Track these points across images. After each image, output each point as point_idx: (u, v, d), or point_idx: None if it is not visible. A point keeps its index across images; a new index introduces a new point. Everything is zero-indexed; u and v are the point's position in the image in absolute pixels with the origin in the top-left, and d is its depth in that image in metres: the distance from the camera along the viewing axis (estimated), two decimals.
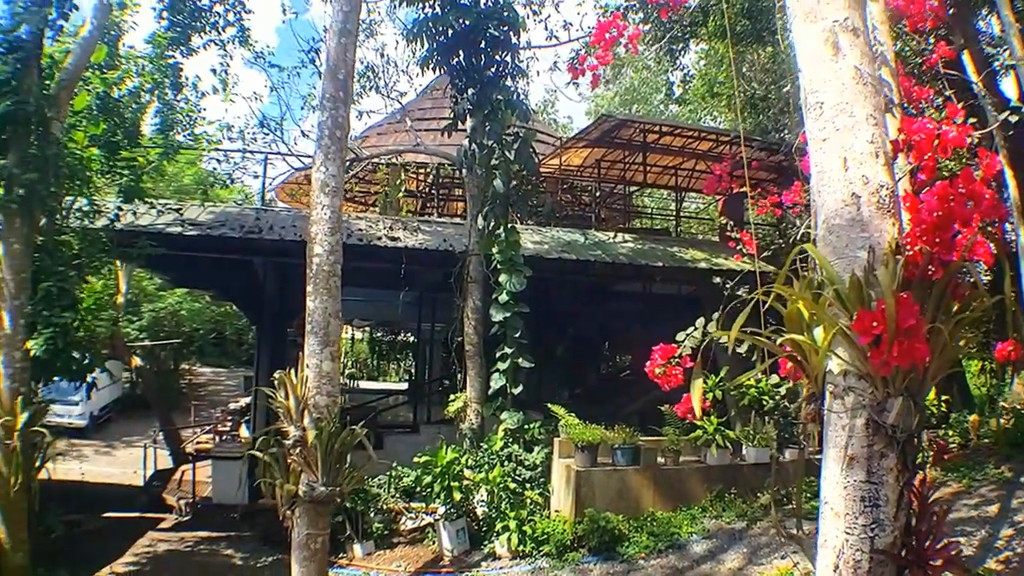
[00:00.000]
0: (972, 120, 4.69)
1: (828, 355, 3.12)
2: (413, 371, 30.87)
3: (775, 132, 20.15)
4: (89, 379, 11.55)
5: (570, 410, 12.88)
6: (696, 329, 4.51)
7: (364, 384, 33.15)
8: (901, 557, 3.09)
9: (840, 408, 3.11)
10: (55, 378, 10.82)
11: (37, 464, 9.78)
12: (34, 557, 9.50)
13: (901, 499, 3.07)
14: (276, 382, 7.07)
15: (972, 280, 3.20)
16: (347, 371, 34.61)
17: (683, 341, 4.77)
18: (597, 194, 23.94)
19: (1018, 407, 13.86)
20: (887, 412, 2.99)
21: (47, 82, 10.17)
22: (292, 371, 7.19)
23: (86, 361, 10.72)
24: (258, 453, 7.16)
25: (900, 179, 3.43)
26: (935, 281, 3.03)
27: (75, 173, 10.87)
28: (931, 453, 12.04)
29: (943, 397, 13.27)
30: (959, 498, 10.79)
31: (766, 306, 3.55)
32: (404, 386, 29.15)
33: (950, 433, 14.03)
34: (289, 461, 6.97)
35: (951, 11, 9.62)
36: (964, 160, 3.71)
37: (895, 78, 3.97)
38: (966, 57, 8.29)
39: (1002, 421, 13.83)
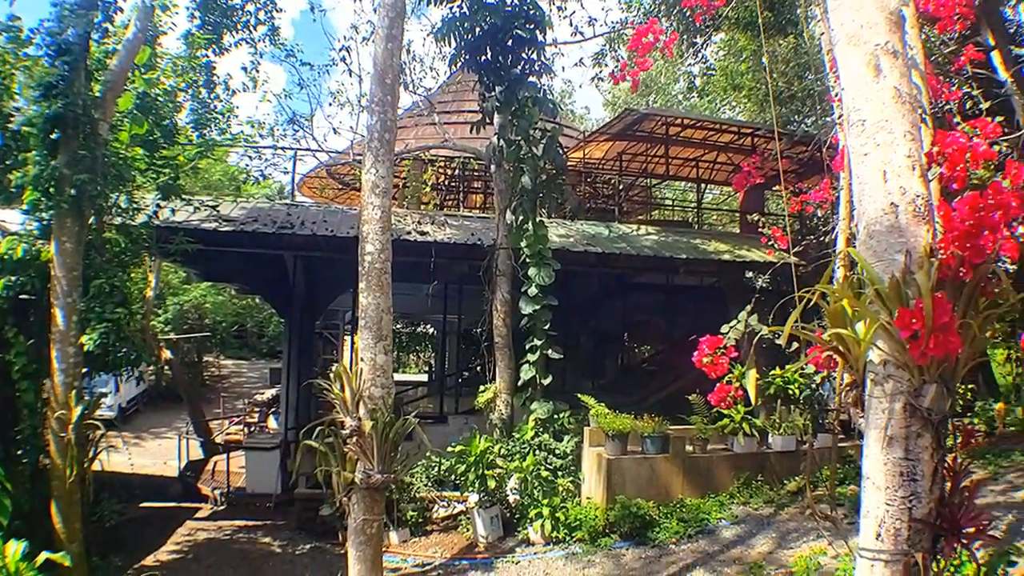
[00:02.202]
0: (1000, 118, 4.95)
1: (869, 347, 3.45)
2: (433, 362, 31.17)
3: (797, 124, 20.31)
4: (136, 372, 11.90)
5: (595, 401, 13.19)
6: (739, 322, 4.80)
7: None
8: (936, 526, 3.44)
9: (881, 394, 3.45)
10: (107, 372, 11.13)
11: (91, 455, 10.07)
12: (86, 548, 9.73)
13: (935, 474, 3.42)
14: (332, 375, 7.40)
15: (998, 277, 3.51)
16: None
17: (727, 333, 5.04)
18: (620, 187, 24.15)
19: None
20: (923, 397, 3.32)
21: (94, 84, 10.47)
22: (346, 365, 7.53)
23: (135, 355, 10.95)
24: (313, 443, 7.47)
25: (930, 182, 3.71)
26: (966, 282, 3.37)
27: (120, 172, 11.13)
28: (959, 438, 12.24)
29: (969, 385, 13.44)
30: (985, 484, 10.98)
31: (811, 303, 3.88)
32: (423, 377, 29.45)
33: (976, 421, 14.18)
34: (345, 450, 7.28)
35: (978, 5, 9.83)
36: (993, 169, 3.98)
37: (924, 81, 4.22)
38: (996, 56, 8.48)
39: None
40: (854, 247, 3.81)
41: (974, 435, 13.12)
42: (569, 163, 22.38)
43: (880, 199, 3.49)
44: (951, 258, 3.32)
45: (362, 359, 7.50)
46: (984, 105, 5.61)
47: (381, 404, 7.40)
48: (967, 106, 5.95)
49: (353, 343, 7.75)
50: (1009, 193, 3.44)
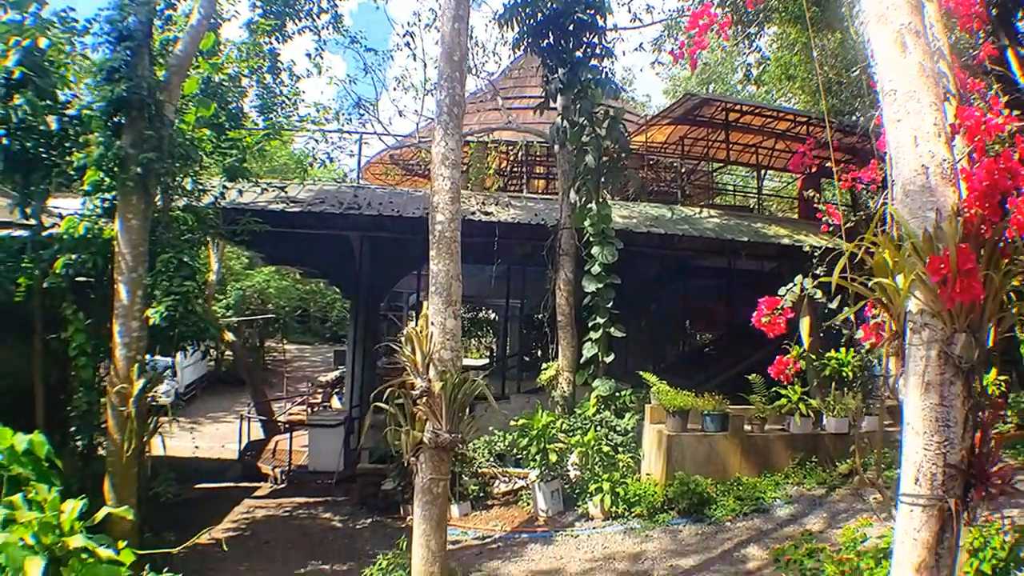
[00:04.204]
0: (1016, 112, 5.17)
1: (908, 297, 3.71)
2: (494, 347, 31.42)
3: (848, 114, 20.23)
4: (201, 347, 12.19)
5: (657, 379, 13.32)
6: (795, 285, 5.01)
7: None
8: (968, 473, 3.62)
9: (918, 341, 3.66)
10: (172, 347, 11.38)
11: (150, 430, 10.24)
12: (140, 523, 9.58)
13: (967, 423, 3.60)
14: (403, 338, 7.65)
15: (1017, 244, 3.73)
16: None
17: (784, 295, 5.26)
18: (682, 170, 24.18)
19: None
20: (954, 345, 3.55)
21: (158, 68, 10.75)
22: (417, 328, 7.75)
23: (201, 329, 11.14)
24: (382, 405, 7.73)
25: (960, 159, 4.02)
26: (987, 238, 3.61)
27: (187, 152, 11.44)
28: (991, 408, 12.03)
29: (1002, 378, 13.24)
30: (1016, 473, 10.88)
31: (857, 258, 4.14)
32: (484, 362, 29.70)
33: (1008, 413, 14.01)
34: (415, 411, 7.54)
35: (993, 12, 9.93)
36: (1008, 143, 4.23)
37: (951, 71, 4.54)
38: (1010, 55, 8.66)
39: None
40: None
41: (1003, 408, 12.93)
42: (631, 146, 22.51)
43: (912, 161, 3.79)
44: (973, 216, 3.58)
45: (432, 323, 7.74)
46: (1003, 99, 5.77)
47: (450, 366, 7.64)
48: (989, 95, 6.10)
49: (421, 313, 7.94)
50: (1017, 162, 3.67)
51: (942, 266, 3.43)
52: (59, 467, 4.82)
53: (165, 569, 6.81)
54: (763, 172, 27.62)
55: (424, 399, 7.42)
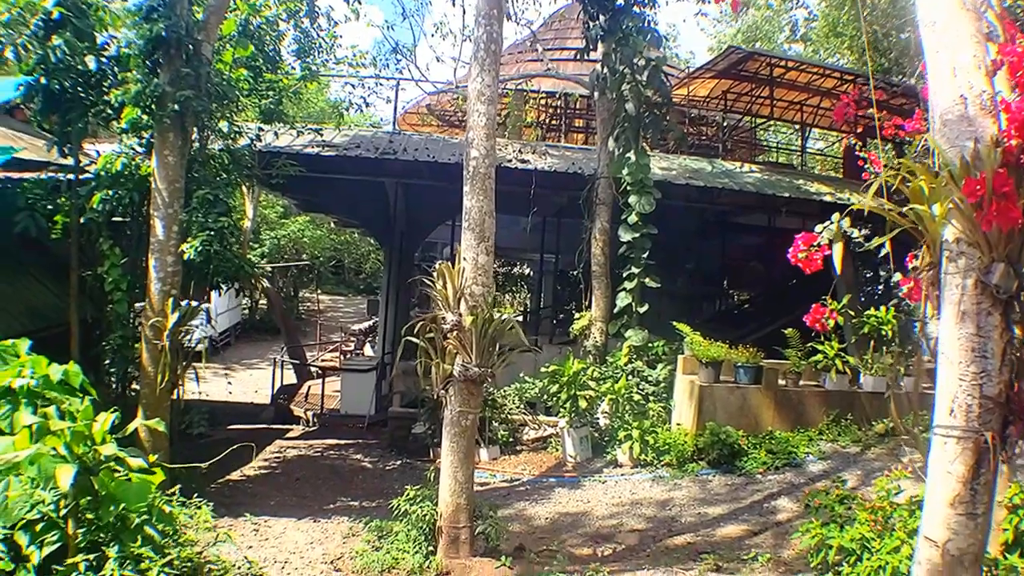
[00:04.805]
0: None
1: (944, 224, 3.64)
2: (528, 302, 31.39)
3: (897, 74, 19.78)
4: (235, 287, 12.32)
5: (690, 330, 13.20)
6: (832, 223, 4.93)
7: None
8: (1007, 407, 3.53)
9: (954, 270, 3.59)
10: (207, 284, 11.43)
11: (183, 364, 10.35)
12: (172, 457, 9.47)
13: (1005, 355, 3.52)
14: (435, 273, 7.61)
15: None
16: None
17: (821, 232, 5.20)
18: (724, 124, 23.85)
19: None
20: (992, 274, 3.46)
21: (196, 8, 10.78)
22: (449, 263, 7.73)
23: (235, 267, 11.26)
24: (414, 339, 7.72)
25: (1001, 93, 3.86)
26: None
27: (224, 92, 11.47)
28: None
29: None
30: None
31: (893, 188, 4.09)
32: (518, 318, 29.71)
33: None
34: (445, 344, 7.52)
35: None
36: None
37: (1000, 22, 4.41)
38: None
39: None
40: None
41: None
42: (674, 100, 22.20)
43: (951, 91, 3.71)
44: (1013, 146, 3.49)
45: (464, 258, 7.70)
46: None
47: (481, 301, 7.60)
48: None
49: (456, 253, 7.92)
50: None
51: (978, 188, 3.37)
52: (93, 396, 4.91)
53: (195, 496, 6.90)
54: (808, 130, 27.20)
55: (455, 333, 7.39)
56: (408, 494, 8.31)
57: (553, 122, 25.84)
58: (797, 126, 27.33)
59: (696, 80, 22.64)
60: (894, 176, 4.03)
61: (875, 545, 6.50)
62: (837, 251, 4.66)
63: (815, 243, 5.28)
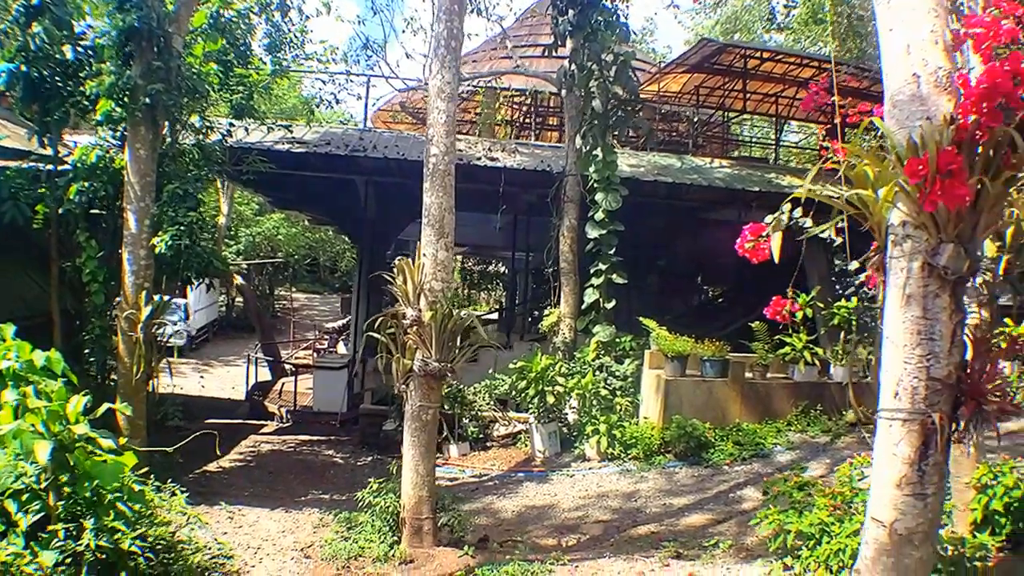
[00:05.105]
0: None
1: (890, 208, 3.58)
2: (504, 300, 31.43)
3: (875, 60, 19.76)
4: (206, 283, 12.38)
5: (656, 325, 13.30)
6: (782, 212, 4.91)
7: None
8: (955, 387, 3.50)
9: (899, 253, 3.55)
10: (179, 279, 11.48)
11: (157, 355, 10.47)
12: (148, 446, 9.64)
13: (955, 336, 3.48)
14: (395, 269, 7.67)
15: (1015, 144, 3.48)
16: None
17: (770, 223, 5.18)
18: (695, 120, 23.81)
19: None
20: (940, 255, 3.40)
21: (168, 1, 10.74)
22: (410, 260, 7.79)
23: (206, 261, 11.19)
24: (375, 334, 7.78)
25: (962, 67, 3.83)
26: (983, 143, 3.39)
27: (195, 86, 11.43)
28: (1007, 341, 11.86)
29: None
30: None
31: (839, 174, 4.01)
32: (493, 316, 29.77)
33: None
34: (405, 339, 7.59)
35: None
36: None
37: None
38: None
39: None
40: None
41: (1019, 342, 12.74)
42: (644, 96, 22.17)
43: (903, 71, 3.62)
44: (967, 123, 3.37)
45: (424, 254, 7.76)
46: None
47: (441, 297, 7.65)
48: None
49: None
50: None
51: (920, 168, 3.28)
52: (75, 384, 5.13)
53: (170, 482, 6.98)
54: (783, 123, 27.07)
55: (414, 328, 7.45)
56: (372, 486, 8.44)
57: (526, 120, 25.81)
58: (773, 119, 27.16)
59: (668, 75, 22.42)
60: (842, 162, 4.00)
61: (835, 529, 6.56)
62: (775, 240, 4.65)
63: (763, 234, 5.31)
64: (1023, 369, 13.54)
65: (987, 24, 3.65)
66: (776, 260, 4.67)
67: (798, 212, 5.29)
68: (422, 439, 7.76)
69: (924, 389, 3.47)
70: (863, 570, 3.75)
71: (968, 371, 3.59)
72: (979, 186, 3.37)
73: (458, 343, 7.70)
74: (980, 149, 3.39)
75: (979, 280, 6.61)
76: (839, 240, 4.99)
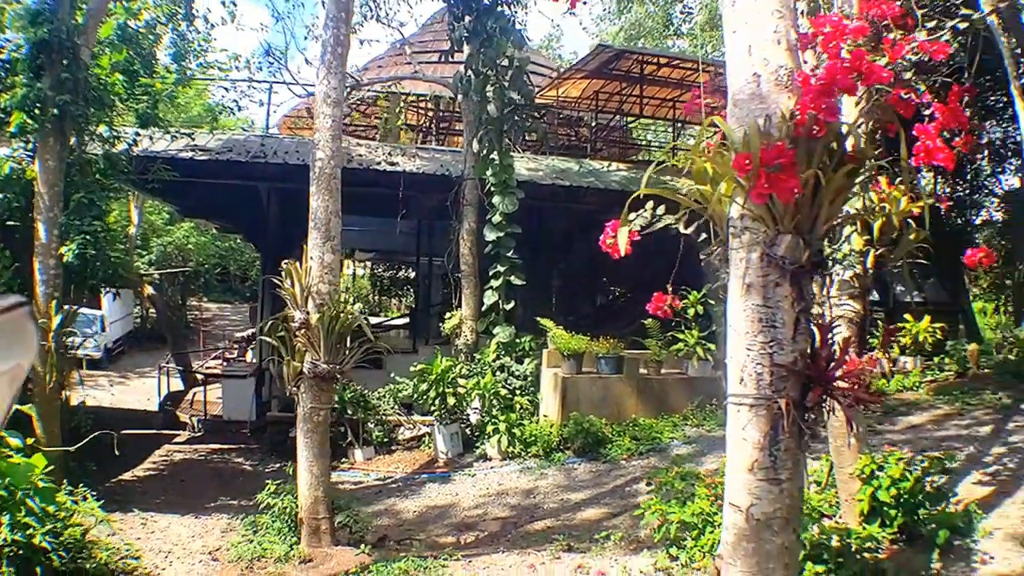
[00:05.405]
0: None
1: (729, 202, 3.71)
2: (414, 304, 31.37)
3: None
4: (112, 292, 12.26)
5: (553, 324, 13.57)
6: (646, 210, 5.01)
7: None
8: (801, 373, 3.61)
9: (738, 245, 3.69)
10: (87, 288, 11.60)
11: (69, 363, 10.61)
12: (64, 455, 9.98)
13: (798, 324, 3.60)
14: (283, 272, 7.75)
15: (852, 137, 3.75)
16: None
17: (634, 219, 5.26)
18: (593, 125, 24.19)
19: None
20: (777, 246, 3.54)
21: (77, 12, 10.75)
22: (297, 263, 7.87)
23: (111, 270, 11.49)
24: (266, 338, 7.86)
25: (807, 66, 3.94)
26: (820, 138, 3.50)
27: (101, 97, 11.47)
28: (881, 334, 12.37)
29: (937, 325, 13.52)
30: (949, 419, 11.29)
31: (685, 171, 4.04)
32: (404, 320, 29.73)
33: (946, 360, 14.42)
34: (295, 342, 7.67)
35: None
36: (870, 46, 4.24)
37: None
38: None
39: (1004, 352, 14.28)
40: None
41: (895, 335, 13.28)
42: (545, 101, 22.46)
43: (744, 70, 3.72)
44: (803, 118, 3.48)
45: (311, 258, 7.85)
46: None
47: (328, 299, 7.75)
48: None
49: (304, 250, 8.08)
50: (877, 65, 3.62)
51: (747, 161, 3.36)
52: None
53: (81, 487, 7.10)
54: (681, 126, 27.68)
55: (303, 331, 7.54)
56: (269, 488, 8.56)
57: (431, 126, 25.91)
58: (671, 123, 27.66)
59: (568, 81, 22.82)
60: (683, 159, 4.13)
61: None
62: (623, 235, 4.75)
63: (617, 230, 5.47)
64: (927, 364, 14.26)
65: (834, 24, 3.82)
66: (622, 254, 4.78)
67: (661, 209, 5.42)
68: (315, 440, 7.86)
69: (769, 375, 3.56)
70: (725, 555, 3.77)
71: (816, 358, 3.69)
72: (817, 179, 3.48)
73: (348, 344, 7.81)
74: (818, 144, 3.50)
75: (848, 274, 6.98)
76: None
